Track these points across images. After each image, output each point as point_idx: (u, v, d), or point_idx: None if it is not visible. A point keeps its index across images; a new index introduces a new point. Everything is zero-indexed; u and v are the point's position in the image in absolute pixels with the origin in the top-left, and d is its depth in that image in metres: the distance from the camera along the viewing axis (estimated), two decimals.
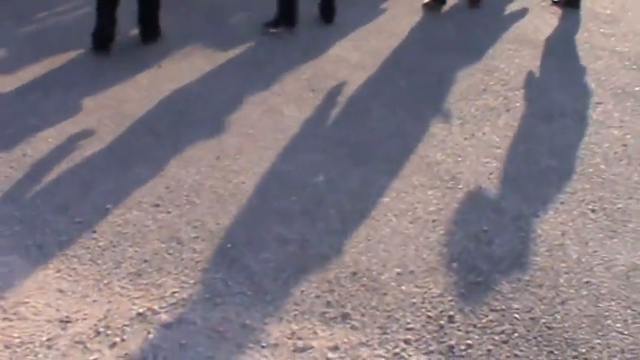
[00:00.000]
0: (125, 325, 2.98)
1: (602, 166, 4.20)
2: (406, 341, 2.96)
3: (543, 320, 3.08)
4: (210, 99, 4.80)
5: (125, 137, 4.34)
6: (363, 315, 3.08)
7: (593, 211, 3.81)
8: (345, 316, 3.07)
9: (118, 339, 2.92)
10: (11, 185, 3.85)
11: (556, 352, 2.93)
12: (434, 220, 3.69)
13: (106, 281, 3.23)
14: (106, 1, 5.29)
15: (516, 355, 2.90)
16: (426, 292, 3.22)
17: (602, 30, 6.51)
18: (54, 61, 5.30)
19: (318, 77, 5.17)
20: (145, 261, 3.35)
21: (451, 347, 2.94)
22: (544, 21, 6.66)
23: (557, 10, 6.86)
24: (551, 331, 3.02)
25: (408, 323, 3.05)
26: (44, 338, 2.91)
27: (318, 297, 3.17)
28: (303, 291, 3.20)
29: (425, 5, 6.68)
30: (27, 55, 5.39)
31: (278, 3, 5.92)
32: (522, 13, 6.82)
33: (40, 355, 2.83)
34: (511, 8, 6.96)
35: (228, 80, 5.08)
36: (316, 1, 6.24)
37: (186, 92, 4.89)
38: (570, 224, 3.69)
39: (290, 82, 5.08)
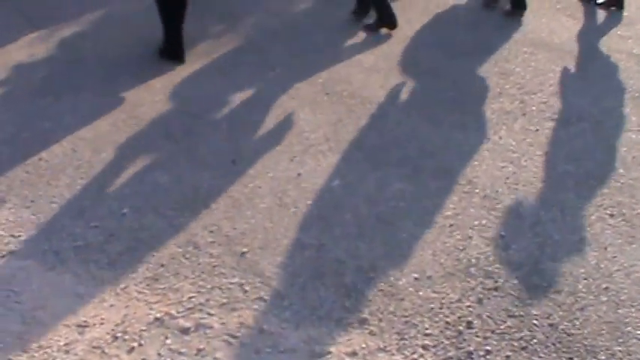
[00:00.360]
0: (143, 330, 2.98)
1: (621, 171, 4.17)
2: (424, 347, 2.95)
3: (562, 326, 3.06)
4: (225, 102, 4.80)
5: (140, 141, 4.34)
6: (380, 320, 3.07)
7: (611, 216, 3.78)
8: (362, 322, 3.06)
9: (135, 344, 2.92)
10: (27, 190, 3.86)
11: (575, 359, 2.90)
12: (451, 225, 3.67)
13: (123, 286, 3.23)
14: (175, 17, 5.28)
15: None
16: (443, 298, 3.20)
17: (619, 32, 6.47)
18: (66, 64, 5.31)
19: (333, 80, 5.16)
20: (162, 265, 3.35)
21: (470, 353, 2.92)
22: (560, 24, 6.62)
23: (603, 11, 6.84)
24: (570, 338, 3.00)
25: (426, 329, 3.03)
26: (62, 343, 2.92)
27: (335, 302, 3.16)
28: (320, 296, 3.19)
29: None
30: (39, 58, 5.40)
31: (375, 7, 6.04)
32: (537, 15, 6.78)
33: None
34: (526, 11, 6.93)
35: (242, 83, 5.07)
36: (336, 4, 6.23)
37: (200, 96, 4.88)
38: (588, 229, 3.67)
39: (305, 86, 5.07)
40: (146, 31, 5.80)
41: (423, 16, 6.52)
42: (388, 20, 6.07)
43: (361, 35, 6.01)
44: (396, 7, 6.34)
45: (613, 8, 7.16)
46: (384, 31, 6.09)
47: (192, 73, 5.23)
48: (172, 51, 5.35)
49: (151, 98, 4.84)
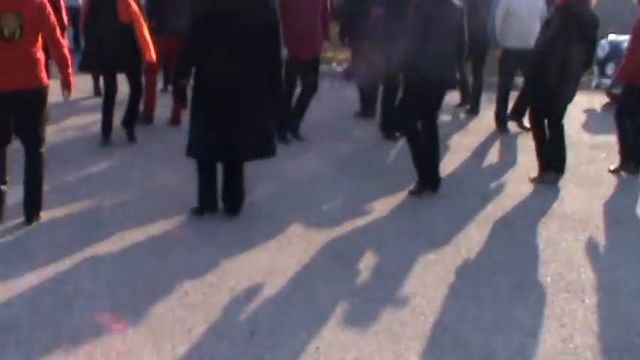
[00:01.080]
0: None
1: (638, 341, 4.17)
2: None
3: None
4: (242, 272, 4.87)
5: (158, 310, 4.37)
6: None
7: None
8: None
9: None
10: (46, 355, 3.86)
11: None
12: None
13: None
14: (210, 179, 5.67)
15: None
16: None
17: (628, 200, 6.62)
18: (85, 230, 5.43)
19: (349, 247, 5.25)
20: None
21: None
22: (569, 192, 6.79)
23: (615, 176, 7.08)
24: None
25: None
26: None
27: None
28: None
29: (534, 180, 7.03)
30: (59, 222, 5.54)
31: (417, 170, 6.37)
32: (546, 184, 6.96)
33: None
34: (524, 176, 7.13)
35: (259, 253, 5.16)
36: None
37: (217, 265, 4.96)
38: None
39: (320, 255, 5.15)
40: (164, 197, 5.98)
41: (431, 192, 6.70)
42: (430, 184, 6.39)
43: (374, 204, 6.16)
44: (406, 176, 6.53)
45: (624, 173, 7.36)
46: (397, 200, 6.26)
47: (209, 243, 5.33)
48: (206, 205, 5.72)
49: (170, 267, 4.92)
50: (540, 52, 6.69)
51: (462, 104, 10.27)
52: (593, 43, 6.75)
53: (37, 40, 5.29)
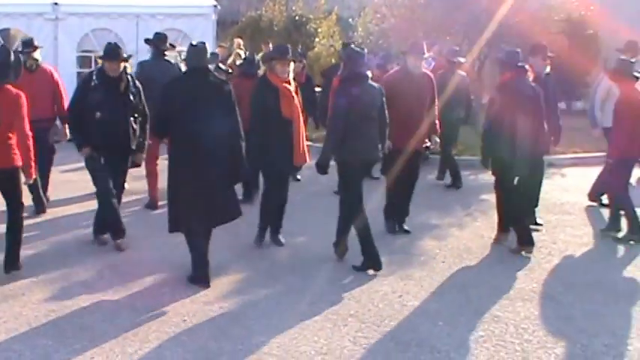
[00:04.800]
0: None
1: None
2: None
3: None
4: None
5: None
6: None
7: None
8: None
9: None
10: None
11: None
12: None
13: None
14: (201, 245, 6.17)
15: None
16: None
17: None
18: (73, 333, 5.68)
19: (400, 330, 5.43)
20: None
21: None
22: (608, 260, 6.94)
23: None
24: None
25: None
26: None
27: None
28: None
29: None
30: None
31: None
32: (583, 253, 7.13)
33: None
34: (566, 249, 7.30)
35: (288, 324, 5.35)
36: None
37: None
38: None
39: (373, 334, 5.33)
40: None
41: (480, 262, 6.89)
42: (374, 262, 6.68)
43: (421, 283, 6.36)
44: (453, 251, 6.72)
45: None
46: (441, 277, 6.46)
47: (224, 316, 5.60)
48: (199, 277, 6.22)
49: (180, 345, 5.10)
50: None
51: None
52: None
53: (12, 128, 6.10)
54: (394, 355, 5.04)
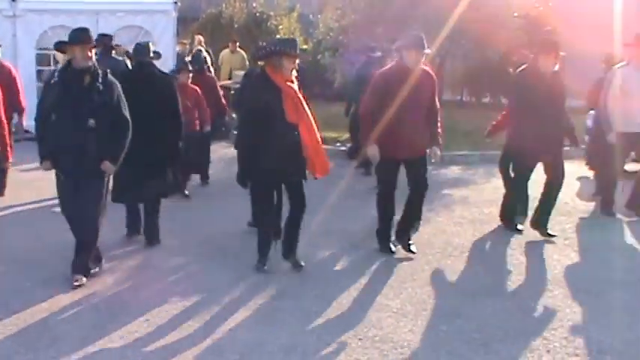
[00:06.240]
0: None
1: None
2: None
3: None
4: (265, 350, 5.05)
5: None
6: None
7: None
8: None
9: None
10: None
11: None
12: None
13: None
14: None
15: None
16: None
17: (627, 263, 6.89)
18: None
19: (364, 326, 5.45)
20: None
21: None
22: (569, 259, 7.06)
23: None
24: None
25: None
26: None
27: None
28: None
29: None
30: None
31: None
32: (548, 252, 7.24)
33: None
34: (534, 247, 7.40)
35: (279, 331, 5.34)
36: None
37: (239, 343, 5.14)
38: None
39: (334, 330, 5.35)
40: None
41: (442, 258, 6.97)
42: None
43: (383, 279, 6.39)
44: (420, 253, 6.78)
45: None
46: (404, 273, 6.50)
47: (186, 314, 5.59)
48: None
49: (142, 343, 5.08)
50: None
51: None
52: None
53: None
54: (358, 350, 5.06)
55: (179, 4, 15.26)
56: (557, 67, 7.56)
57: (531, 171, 7.62)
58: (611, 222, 8.46)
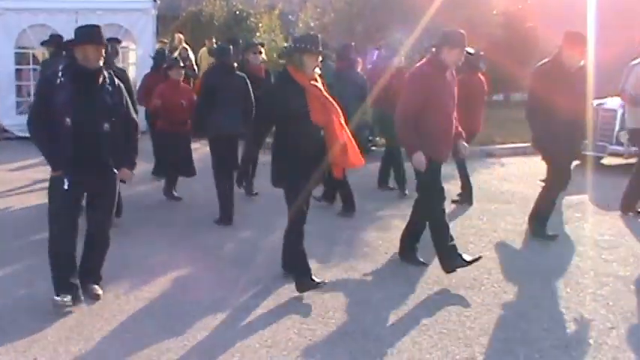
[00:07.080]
0: None
1: None
2: None
3: None
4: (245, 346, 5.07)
5: None
6: None
7: None
8: None
9: None
10: None
11: None
12: None
13: None
14: None
15: None
16: None
17: (603, 256, 6.96)
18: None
19: (348, 325, 5.48)
20: None
21: None
22: (546, 249, 7.13)
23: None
24: None
25: None
26: None
27: None
28: None
29: None
30: None
31: None
32: (522, 241, 7.31)
33: None
34: (506, 237, 7.47)
35: (257, 327, 5.35)
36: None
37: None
38: None
39: (316, 323, 5.37)
40: None
41: (424, 254, 7.01)
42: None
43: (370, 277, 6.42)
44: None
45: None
46: (383, 268, 6.52)
47: (168, 313, 5.50)
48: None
49: (124, 343, 5.06)
50: None
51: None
52: None
53: None
54: (339, 345, 5.09)
55: (158, 2, 15.26)
56: (582, 62, 7.21)
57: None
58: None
